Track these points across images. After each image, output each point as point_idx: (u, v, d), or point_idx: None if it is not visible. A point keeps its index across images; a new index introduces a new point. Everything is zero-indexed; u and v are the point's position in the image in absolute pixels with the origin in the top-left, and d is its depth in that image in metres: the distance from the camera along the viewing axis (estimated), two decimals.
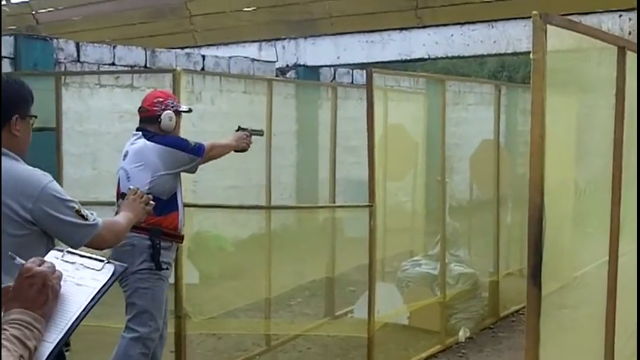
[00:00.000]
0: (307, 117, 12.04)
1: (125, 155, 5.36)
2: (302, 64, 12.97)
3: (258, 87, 12.07)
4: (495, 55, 11.75)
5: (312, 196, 12.39)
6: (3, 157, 3.22)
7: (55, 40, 10.18)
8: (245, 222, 9.47)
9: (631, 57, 3.85)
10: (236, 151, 5.68)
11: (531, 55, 2.97)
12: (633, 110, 3.96)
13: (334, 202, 8.66)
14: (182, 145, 5.34)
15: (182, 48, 12.53)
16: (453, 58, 11.95)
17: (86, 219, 3.39)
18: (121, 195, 5.08)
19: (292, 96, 11.74)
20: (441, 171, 7.49)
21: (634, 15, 9.63)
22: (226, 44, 13.50)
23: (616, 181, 3.82)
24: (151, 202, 3.96)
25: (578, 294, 3.65)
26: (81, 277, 1.97)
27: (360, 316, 6.95)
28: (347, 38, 12.36)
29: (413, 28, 11.68)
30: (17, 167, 3.27)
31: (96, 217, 3.48)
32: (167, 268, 5.34)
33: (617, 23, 9.99)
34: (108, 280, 2.02)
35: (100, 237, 3.45)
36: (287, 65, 13.09)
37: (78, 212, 3.37)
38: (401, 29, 11.83)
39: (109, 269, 2.05)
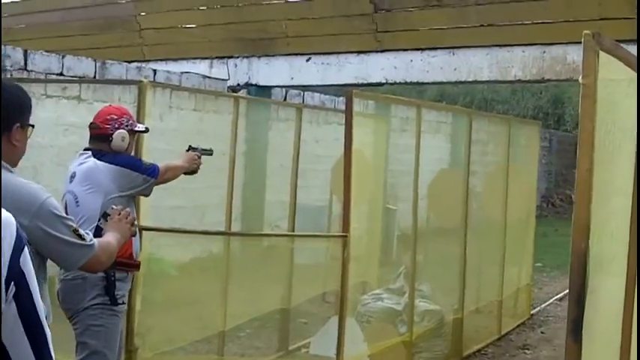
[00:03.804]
0: (256, 137, 11.69)
1: (72, 177, 4.78)
2: (254, 83, 12.55)
3: (208, 104, 11.66)
4: (455, 82, 11.46)
5: (257, 219, 12.02)
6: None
7: (2, 47, 9.64)
8: (187, 244, 9.07)
9: None
10: (186, 173, 5.34)
11: (580, 79, 2.65)
12: None
13: (293, 229, 8.21)
14: (136, 165, 4.89)
15: (129, 62, 12.01)
16: (411, 83, 11.63)
17: (83, 239, 3.14)
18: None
19: (242, 115, 11.33)
20: (413, 197, 7.13)
21: None
22: (175, 60, 13.03)
23: (634, 220, 3.51)
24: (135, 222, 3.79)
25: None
26: None
27: (318, 353, 6.60)
28: (302, 59, 12.00)
29: (371, 51, 11.35)
30: (13, 180, 2.91)
31: (91, 236, 3.24)
32: (123, 302, 4.80)
33: (581, 55, 9.81)
34: None
35: (96, 258, 3.20)
36: (238, 84, 12.67)
37: (75, 231, 3.11)
38: (359, 52, 11.50)
39: None
